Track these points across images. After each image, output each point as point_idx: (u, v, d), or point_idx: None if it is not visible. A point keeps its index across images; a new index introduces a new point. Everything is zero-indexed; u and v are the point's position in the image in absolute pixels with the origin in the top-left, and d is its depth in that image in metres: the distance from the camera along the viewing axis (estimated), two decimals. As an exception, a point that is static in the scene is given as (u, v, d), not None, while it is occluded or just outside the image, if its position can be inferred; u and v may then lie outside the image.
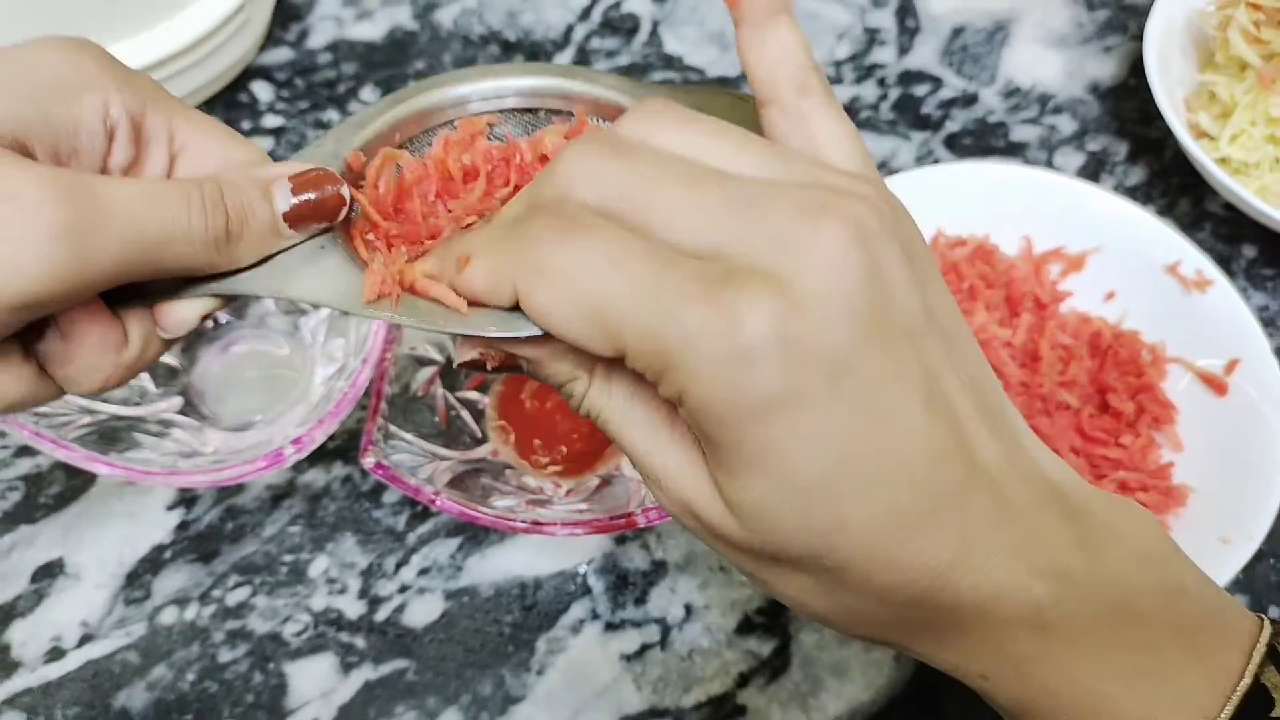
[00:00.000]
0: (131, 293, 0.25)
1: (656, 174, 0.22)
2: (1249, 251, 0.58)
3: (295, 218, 0.26)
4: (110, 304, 0.25)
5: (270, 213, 0.26)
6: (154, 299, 0.26)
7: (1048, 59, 0.67)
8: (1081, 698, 0.23)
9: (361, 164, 0.28)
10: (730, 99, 0.29)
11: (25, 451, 0.49)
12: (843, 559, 0.22)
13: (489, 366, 0.25)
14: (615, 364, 0.23)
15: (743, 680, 0.44)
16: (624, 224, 0.22)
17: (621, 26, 0.68)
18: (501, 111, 0.30)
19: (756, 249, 0.21)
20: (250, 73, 0.63)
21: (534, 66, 0.30)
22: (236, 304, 0.52)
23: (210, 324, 0.51)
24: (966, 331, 0.24)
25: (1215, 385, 0.48)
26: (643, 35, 0.67)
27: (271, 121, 0.62)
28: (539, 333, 0.23)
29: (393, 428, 0.43)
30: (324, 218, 0.26)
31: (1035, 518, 0.23)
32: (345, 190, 0.26)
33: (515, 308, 0.23)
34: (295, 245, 0.26)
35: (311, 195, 0.26)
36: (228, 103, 0.62)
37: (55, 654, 0.44)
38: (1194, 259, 0.50)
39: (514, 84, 0.30)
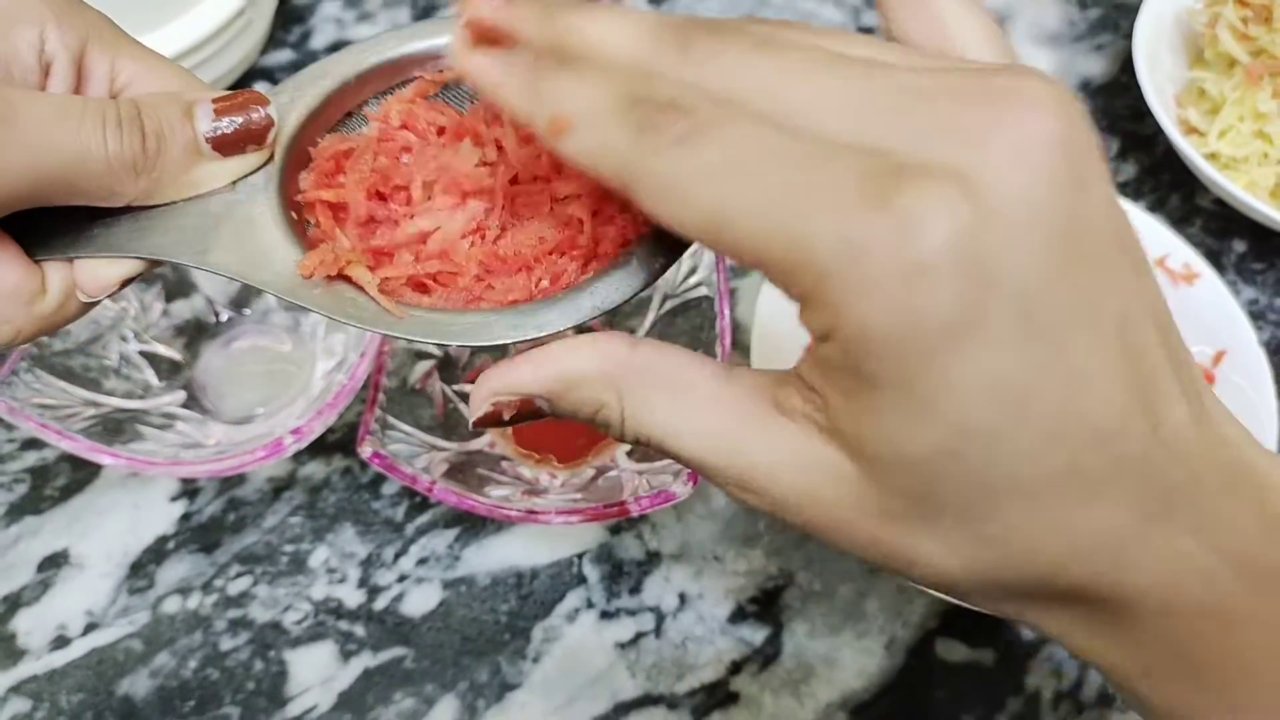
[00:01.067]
0: (53, 244, 0.24)
1: (801, 62, 0.19)
2: (1239, 246, 0.59)
3: (218, 141, 0.24)
4: (31, 254, 0.24)
5: (191, 133, 0.24)
6: (74, 252, 0.25)
7: (1040, 57, 0.67)
8: (1267, 699, 0.20)
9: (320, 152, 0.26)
10: None
11: (31, 445, 0.50)
12: (1008, 524, 0.19)
13: (506, 417, 0.23)
14: (643, 373, 0.21)
15: (735, 668, 0.45)
16: (760, 117, 0.18)
17: (618, 27, 0.68)
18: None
19: (932, 141, 0.17)
20: (253, 74, 0.64)
21: None
22: (237, 300, 0.52)
23: (213, 319, 0.52)
24: (1145, 258, 0.20)
25: (1203, 376, 0.49)
26: (639, 36, 0.68)
27: (273, 122, 0.62)
28: (485, 343, 0.22)
29: (390, 419, 0.44)
30: (250, 140, 0.24)
31: (1225, 493, 0.19)
32: (273, 111, 0.25)
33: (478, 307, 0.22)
34: (224, 197, 0.25)
35: (236, 118, 0.24)
36: (230, 103, 0.63)
37: (60, 642, 0.45)
38: (1182, 252, 0.51)
39: None
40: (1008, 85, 0.18)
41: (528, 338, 0.22)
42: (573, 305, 0.23)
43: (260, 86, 0.64)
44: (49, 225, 0.24)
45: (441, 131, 0.26)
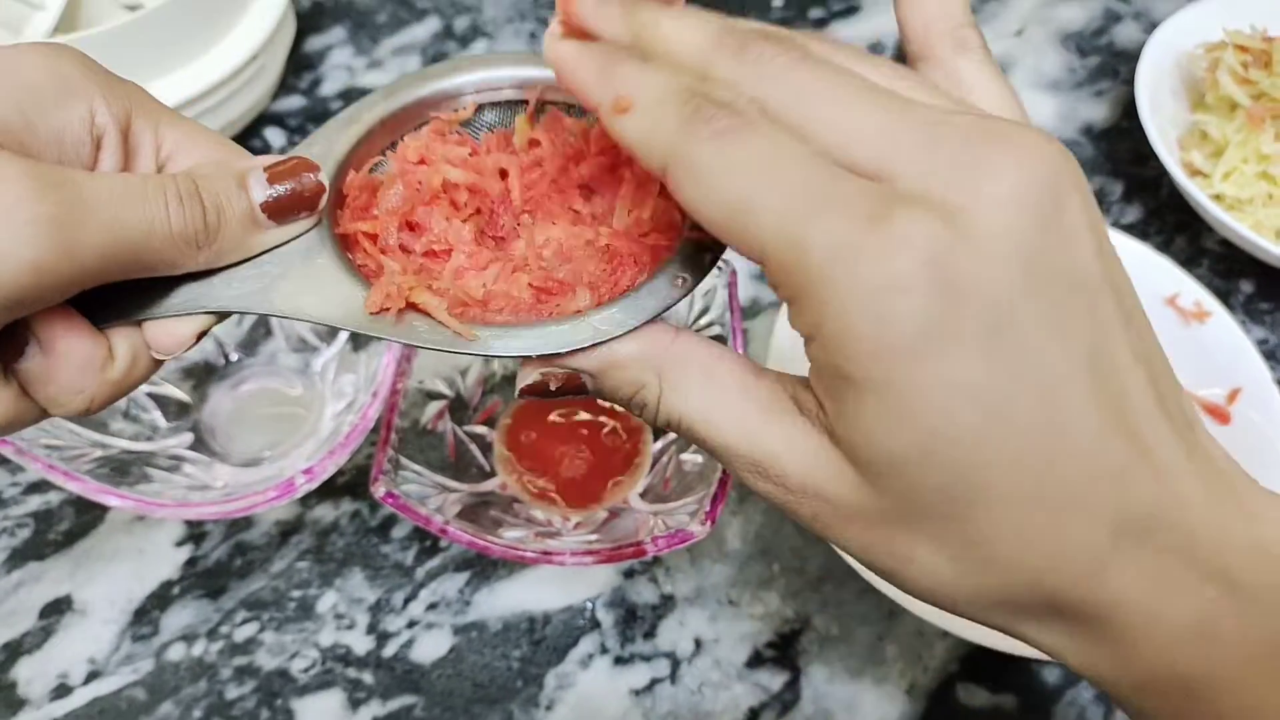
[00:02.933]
0: (116, 310, 0.25)
1: (840, 82, 0.21)
2: (1246, 287, 0.59)
3: (273, 209, 0.25)
4: (95, 322, 0.25)
5: (247, 203, 0.25)
6: (140, 316, 0.25)
7: (1041, 103, 0.68)
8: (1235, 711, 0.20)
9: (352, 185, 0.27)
10: None
11: (35, 488, 0.49)
12: (988, 531, 0.20)
13: (552, 387, 0.24)
14: (683, 360, 0.23)
15: (753, 715, 0.44)
16: (793, 128, 0.21)
17: (625, 74, 0.69)
18: (495, 104, 0.30)
19: (929, 172, 0.19)
20: (264, 119, 0.65)
21: (527, 56, 0.30)
22: (246, 341, 0.52)
23: (222, 361, 0.52)
24: (1140, 304, 0.21)
25: (1218, 415, 0.48)
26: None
27: (283, 166, 0.63)
28: (552, 351, 0.23)
29: (403, 459, 0.43)
30: (302, 207, 0.25)
31: (1209, 513, 0.20)
32: (324, 177, 0.26)
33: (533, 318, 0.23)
34: (281, 248, 0.26)
35: (288, 185, 0.25)
36: (242, 147, 0.63)
37: (62, 691, 0.44)
38: (1192, 291, 0.51)
39: (509, 74, 0.29)
40: (1011, 135, 0.20)
41: (597, 341, 0.24)
42: (635, 305, 0.24)
43: (272, 132, 0.64)
44: (112, 295, 0.25)
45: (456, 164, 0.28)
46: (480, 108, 0.29)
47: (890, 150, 0.20)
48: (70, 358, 0.24)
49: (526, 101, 0.29)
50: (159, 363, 0.26)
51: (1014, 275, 0.19)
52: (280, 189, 0.25)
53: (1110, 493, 0.20)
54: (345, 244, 0.27)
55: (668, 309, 0.24)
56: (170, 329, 0.25)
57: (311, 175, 0.25)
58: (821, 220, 0.19)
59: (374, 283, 0.25)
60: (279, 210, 0.25)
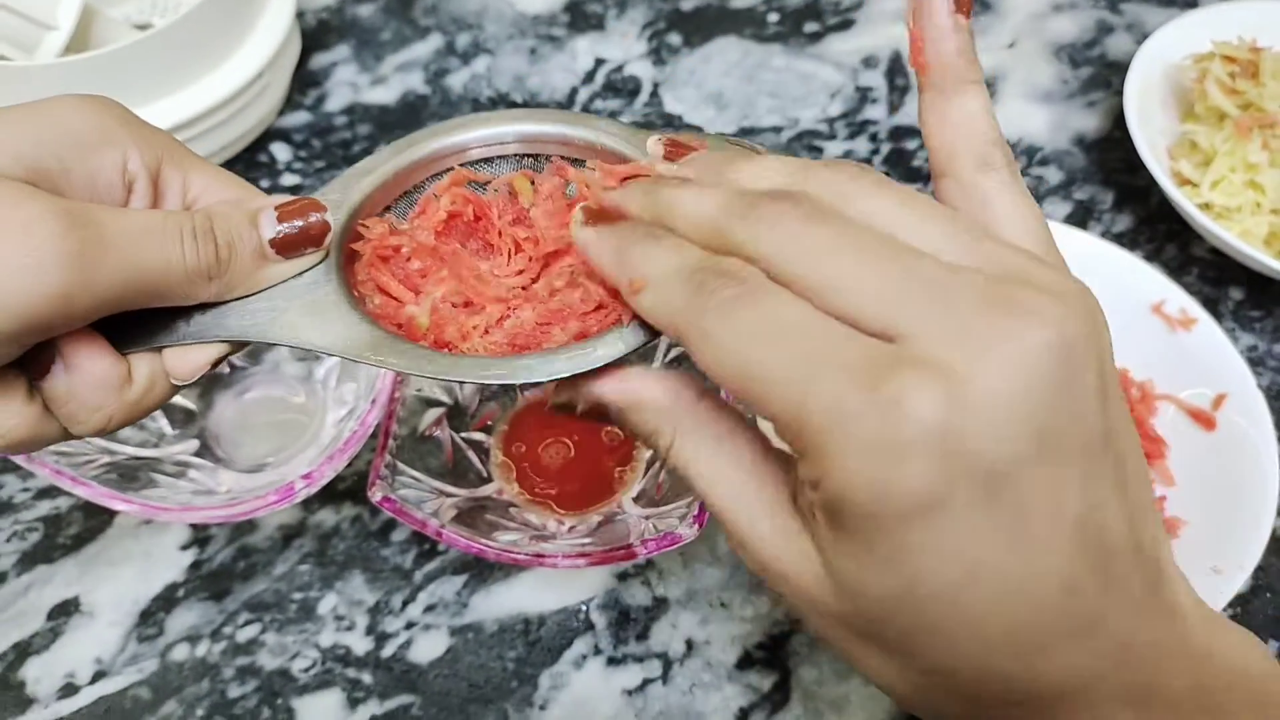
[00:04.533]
0: (136, 337, 0.27)
1: (846, 243, 0.21)
2: (1235, 294, 0.60)
3: (281, 244, 0.27)
4: (118, 348, 0.27)
5: (257, 239, 0.27)
6: (158, 343, 0.27)
7: (1034, 113, 0.69)
8: None
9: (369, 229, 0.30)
10: (733, 143, 0.29)
11: (45, 494, 0.51)
12: (947, 666, 0.21)
13: (579, 409, 0.26)
14: (701, 422, 0.24)
15: (743, 715, 0.45)
16: (802, 291, 0.21)
17: (623, 88, 0.71)
18: (503, 157, 0.32)
19: (934, 335, 0.19)
20: (270, 134, 0.66)
21: (534, 112, 0.31)
22: (250, 350, 0.53)
23: (226, 369, 0.53)
24: (1138, 451, 0.22)
25: (1203, 420, 0.49)
26: (643, 96, 0.70)
27: (289, 180, 0.64)
28: (546, 379, 0.24)
29: (400, 465, 0.44)
30: (309, 244, 0.27)
31: (1159, 663, 0.21)
32: (329, 217, 0.28)
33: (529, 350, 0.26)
34: (289, 282, 0.28)
35: (296, 223, 0.27)
36: (248, 163, 0.65)
37: (69, 690, 0.45)
38: (1178, 298, 0.51)
39: (514, 130, 0.31)
40: (1018, 298, 0.20)
41: (579, 371, 0.25)
42: (612, 344, 0.26)
43: (278, 147, 0.66)
44: (134, 322, 0.27)
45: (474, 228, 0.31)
46: (488, 160, 0.32)
47: (897, 311, 0.20)
48: (92, 377, 0.26)
49: (534, 155, 0.32)
50: (176, 388, 0.28)
51: (1014, 446, 0.19)
52: (289, 226, 0.27)
53: (1074, 643, 0.21)
54: (357, 287, 0.29)
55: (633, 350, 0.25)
56: (187, 357, 0.27)
57: (318, 215, 0.27)
58: (821, 384, 0.20)
59: (379, 319, 0.27)
60: (287, 246, 0.27)
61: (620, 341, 0.25)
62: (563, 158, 0.32)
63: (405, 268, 0.29)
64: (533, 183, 0.31)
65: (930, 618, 0.20)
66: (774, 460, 0.25)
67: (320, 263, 0.28)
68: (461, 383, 0.27)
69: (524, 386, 0.26)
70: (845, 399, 0.19)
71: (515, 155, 0.32)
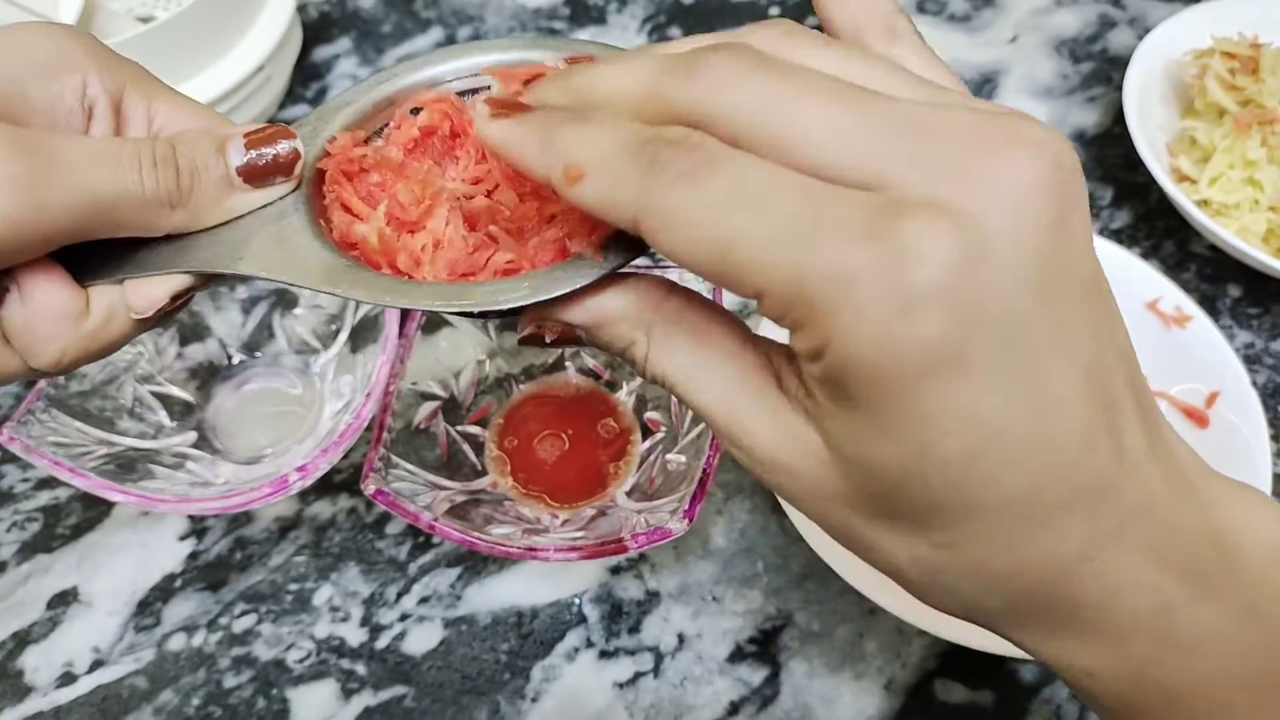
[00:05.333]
0: (96, 268, 0.26)
1: (807, 86, 0.19)
2: (1233, 291, 0.59)
3: (250, 173, 0.26)
4: (78, 279, 0.26)
5: (224, 167, 0.26)
6: (119, 275, 0.26)
7: (1034, 109, 0.69)
8: (1201, 706, 0.21)
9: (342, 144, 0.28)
10: None
11: (45, 484, 0.51)
12: (962, 538, 0.20)
13: (547, 340, 0.24)
14: (673, 321, 0.22)
15: (734, 709, 0.45)
16: (767, 149, 0.19)
17: (623, 82, 0.71)
18: (487, 88, 0.30)
19: (930, 177, 0.18)
20: (270, 128, 0.67)
21: (516, 40, 0.30)
22: (249, 343, 0.54)
23: (225, 362, 0.53)
24: (1118, 308, 0.21)
25: (1196, 418, 0.49)
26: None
27: (289, 173, 0.65)
28: (520, 304, 0.22)
29: (394, 457, 0.45)
30: (278, 172, 0.26)
31: (1172, 512, 0.21)
32: (300, 145, 0.27)
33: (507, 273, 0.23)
34: (257, 212, 0.27)
35: (266, 150, 0.26)
36: (248, 156, 0.65)
37: (67, 679, 0.46)
38: (1173, 296, 0.51)
39: (497, 59, 0.30)
40: (1011, 128, 0.18)
41: (540, 299, 0.23)
42: (578, 272, 0.23)
43: (277, 140, 0.66)
44: (95, 253, 0.26)
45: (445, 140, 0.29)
46: (466, 93, 0.30)
47: (880, 156, 0.18)
48: (48, 308, 0.25)
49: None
50: (138, 325, 0.27)
51: (1030, 290, 0.18)
52: (257, 154, 0.26)
53: (1090, 501, 0.20)
54: (324, 217, 0.28)
55: (631, 260, 0.24)
56: (145, 289, 0.26)
57: (288, 142, 0.26)
58: (817, 247, 0.18)
59: (341, 242, 0.26)
60: (255, 174, 0.26)
61: (589, 267, 0.23)
62: None
63: (368, 182, 0.28)
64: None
65: (945, 483, 0.19)
66: (754, 346, 0.23)
67: (291, 193, 0.27)
68: (419, 310, 0.25)
69: (484, 315, 0.25)
70: (847, 255, 0.17)
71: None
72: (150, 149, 0.25)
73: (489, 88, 0.30)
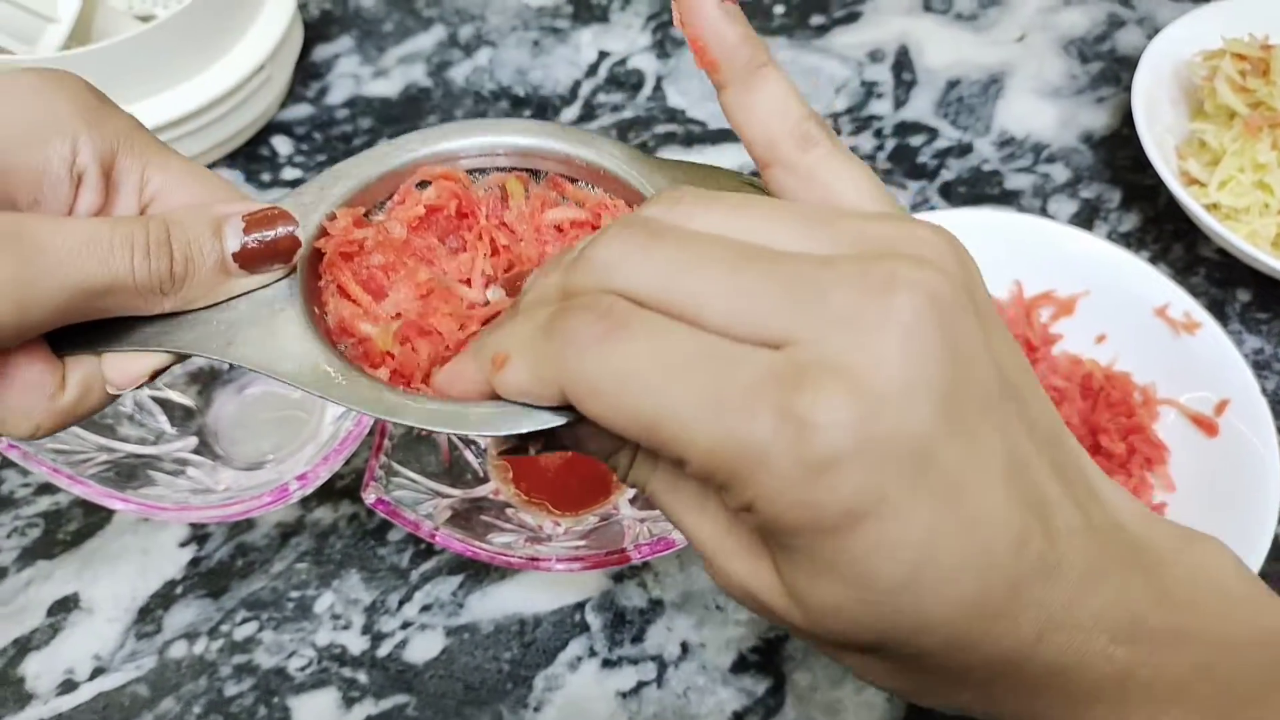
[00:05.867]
0: (76, 340, 0.25)
1: (699, 257, 0.20)
2: (1243, 296, 0.59)
3: (246, 257, 0.25)
4: (56, 348, 0.25)
5: (219, 252, 0.25)
6: (99, 348, 0.25)
7: (1041, 110, 0.68)
8: None
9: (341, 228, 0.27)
10: (738, 183, 0.28)
11: (45, 490, 0.51)
12: (923, 650, 0.21)
13: (532, 451, 0.24)
14: None
15: (738, 719, 0.45)
16: (670, 309, 0.20)
17: (626, 82, 0.70)
18: (496, 169, 0.30)
19: (821, 336, 0.19)
20: (271, 127, 0.66)
21: (533, 124, 0.29)
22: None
23: (226, 366, 0.53)
24: (1033, 380, 0.22)
25: (1205, 426, 0.49)
26: (646, 90, 0.70)
27: (290, 174, 0.64)
28: (540, 426, 0.22)
29: (396, 465, 0.44)
30: (276, 259, 0.25)
31: (1115, 579, 0.21)
32: (298, 231, 0.26)
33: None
34: (250, 294, 0.26)
35: (265, 234, 0.25)
36: (249, 156, 0.65)
37: (67, 686, 0.45)
38: (1182, 302, 0.51)
39: (511, 141, 0.29)
40: (888, 273, 0.19)
41: (540, 427, 0.23)
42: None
43: (279, 140, 0.66)
44: (74, 324, 0.25)
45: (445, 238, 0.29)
46: (475, 172, 0.29)
47: (776, 318, 0.19)
48: (21, 381, 0.24)
49: (530, 170, 0.30)
50: (112, 396, 0.26)
51: (930, 420, 0.19)
52: (256, 238, 0.25)
53: (1034, 586, 0.21)
54: (319, 300, 0.27)
55: None
56: (125, 366, 0.25)
57: (288, 228, 0.25)
58: (730, 422, 0.19)
59: (339, 330, 0.25)
60: (252, 260, 0.25)
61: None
62: (561, 175, 0.30)
63: (368, 264, 0.27)
64: (526, 188, 0.30)
65: (896, 609, 0.20)
66: None
67: (285, 277, 0.26)
68: (411, 428, 0.24)
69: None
70: (757, 429, 0.19)
71: (509, 169, 0.30)
72: (144, 233, 0.24)
73: (511, 170, 0.29)
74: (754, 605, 0.23)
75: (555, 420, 0.22)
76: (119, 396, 0.26)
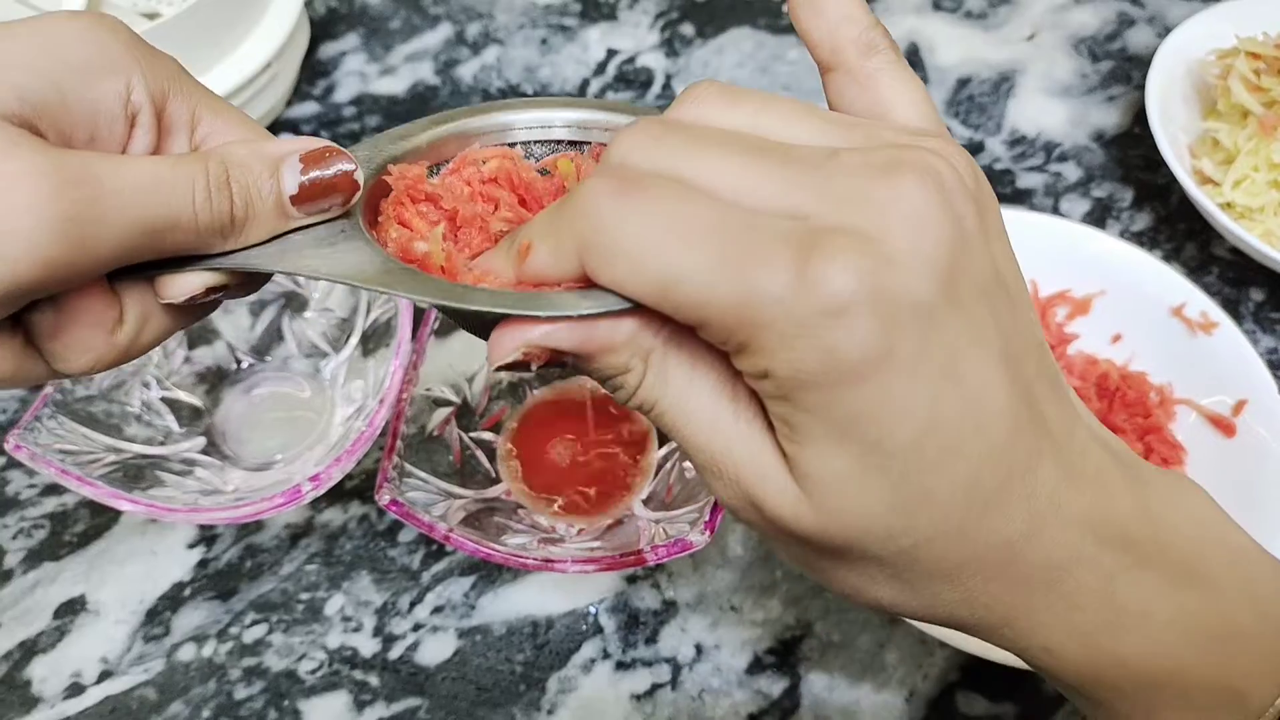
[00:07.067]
0: (132, 267, 0.24)
1: (717, 146, 0.21)
2: (1257, 295, 0.59)
3: (304, 197, 0.24)
4: (109, 277, 0.24)
5: (277, 193, 0.24)
6: (155, 270, 0.25)
7: (1052, 108, 0.68)
8: (1150, 666, 0.23)
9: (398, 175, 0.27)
10: None
11: (51, 490, 0.50)
12: (920, 536, 0.21)
13: (532, 367, 0.23)
14: (671, 348, 0.22)
15: (753, 721, 0.44)
16: (688, 181, 0.20)
17: (636, 80, 0.70)
18: (546, 142, 0.30)
19: (835, 209, 0.20)
20: (278, 125, 0.66)
21: (581, 100, 0.30)
22: (258, 346, 0.53)
23: (234, 366, 0.53)
24: (1026, 295, 0.23)
25: (1223, 426, 0.48)
26: (655, 88, 0.69)
27: (297, 172, 0.64)
28: (597, 310, 0.21)
29: (408, 466, 0.44)
30: (334, 197, 0.25)
31: (1101, 486, 0.22)
32: (357, 172, 0.25)
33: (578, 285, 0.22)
34: (307, 228, 0.25)
35: (322, 172, 0.24)
36: (255, 154, 0.64)
37: (75, 690, 0.45)
38: (1199, 301, 0.50)
39: (561, 116, 0.30)
40: (898, 159, 0.20)
41: (603, 310, 0.22)
42: (604, 299, 0.22)
43: (285, 138, 0.65)
44: None
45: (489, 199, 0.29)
46: (530, 144, 0.30)
47: (790, 195, 0.20)
48: (81, 314, 0.23)
49: (575, 142, 0.30)
50: (168, 329, 0.25)
51: (936, 290, 0.20)
52: (314, 175, 0.24)
53: (1023, 480, 0.21)
54: (370, 223, 0.26)
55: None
56: (180, 281, 0.24)
57: (345, 165, 0.25)
58: (752, 279, 0.19)
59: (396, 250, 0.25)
60: (310, 197, 0.24)
61: (613, 299, 0.22)
62: (603, 145, 0.30)
63: (425, 213, 0.27)
64: (577, 167, 0.30)
65: (903, 483, 0.21)
66: (743, 378, 0.23)
67: (341, 217, 0.26)
68: (475, 311, 0.23)
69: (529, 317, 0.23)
70: (778, 283, 0.19)
71: (560, 141, 0.30)
72: (205, 174, 0.23)
73: (561, 143, 0.30)
74: (760, 518, 0.23)
75: (620, 304, 0.21)
76: (176, 324, 0.26)
